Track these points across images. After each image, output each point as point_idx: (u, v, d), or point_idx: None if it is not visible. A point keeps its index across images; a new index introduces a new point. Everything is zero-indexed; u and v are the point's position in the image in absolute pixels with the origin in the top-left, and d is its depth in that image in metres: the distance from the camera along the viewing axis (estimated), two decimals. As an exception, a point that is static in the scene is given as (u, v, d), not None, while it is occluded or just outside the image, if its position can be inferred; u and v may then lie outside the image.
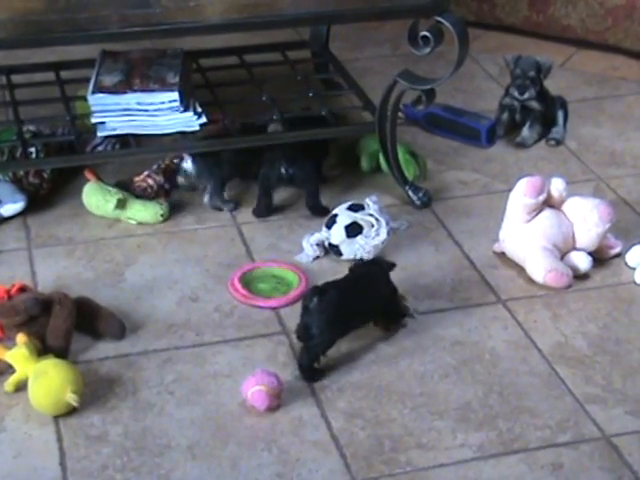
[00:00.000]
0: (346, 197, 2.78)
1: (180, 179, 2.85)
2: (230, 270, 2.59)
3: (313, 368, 2.26)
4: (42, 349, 2.26)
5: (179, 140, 2.83)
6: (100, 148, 2.92)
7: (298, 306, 2.31)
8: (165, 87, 2.77)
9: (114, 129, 2.76)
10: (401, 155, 2.92)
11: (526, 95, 3.16)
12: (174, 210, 2.83)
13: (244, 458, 2.06)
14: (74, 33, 2.51)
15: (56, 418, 2.15)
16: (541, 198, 2.58)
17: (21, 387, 2.19)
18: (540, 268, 2.54)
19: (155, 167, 2.90)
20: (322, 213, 2.76)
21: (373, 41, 3.84)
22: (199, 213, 2.84)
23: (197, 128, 2.78)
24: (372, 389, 2.24)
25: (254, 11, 2.60)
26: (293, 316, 2.33)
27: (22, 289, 2.38)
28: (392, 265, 2.40)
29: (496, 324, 2.45)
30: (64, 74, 3.11)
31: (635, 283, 2.59)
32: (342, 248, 2.62)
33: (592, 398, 2.23)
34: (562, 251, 2.60)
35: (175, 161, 2.94)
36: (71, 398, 2.12)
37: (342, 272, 2.55)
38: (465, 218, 2.84)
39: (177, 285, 2.55)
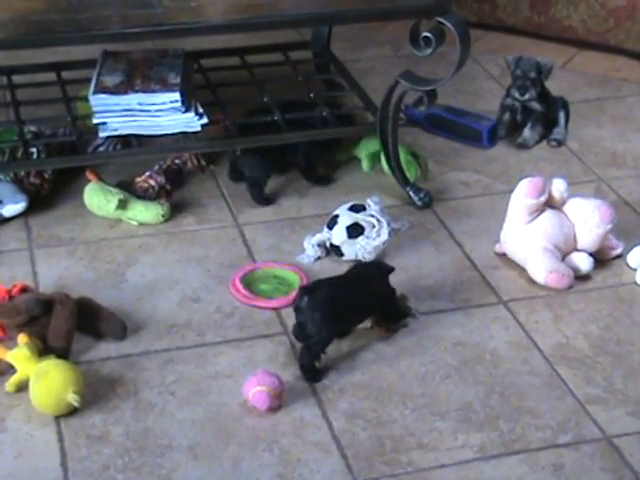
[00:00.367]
0: (347, 198, 2.78)
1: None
2: (231, 271, 2.59)
3: (315, 368, 2.26)
4: (43, 349, 2.26)
5: (180, 141, 2.84)
6: (101, 148, 2.92)
7: (299, 307, 2.31)
8: (166, 88, 2.77)
9: (115, 129, 2.76)
10: (403, 156, 2.92)
11: (527, 96, 3.16)
12: (175, 211, 2.83)
13: (245, 458, 2.06)
14: (75, 33, 2.51)
15: (57, 418, 2.15)
16: (542, 199, 2.58)
17: (22, 387, 2.19)
18: (541, 269, 2.54)
19: (156, 168, 2.90)
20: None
21: (375, 42, 3.84)
22: (200, 214, 2.84)
23: (198, 129, 2.78)
24: (373, 390, 2.25)
25: (255, 12, 2.60)
26: (294, 317, 2.33)
27: (23, 289, 2.38)
28: (391, 268, 2.40)
29: (497, 325, 2.45)
30: (65, 74, 3.11)
31: (636, 284, 2.59)
32: (343, 249, 2.62)
33: (593, 399, 2.23)
34: (563, 252, 2.60)
35: (176, 161, 2.95)
36: (72, 398, 2.13)
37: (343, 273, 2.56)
38: (466, 219, 2.84)
39: (178, 286, 2.56)
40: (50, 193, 2.87)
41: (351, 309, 2.31)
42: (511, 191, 2.63)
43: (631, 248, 2.66)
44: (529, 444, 2.11)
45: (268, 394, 2.15)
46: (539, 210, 2.60)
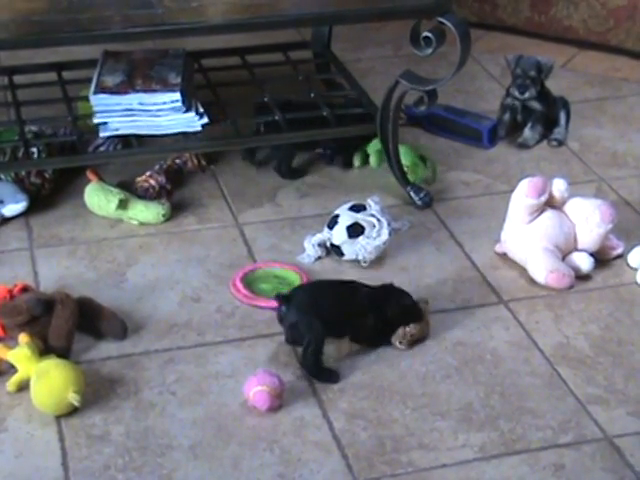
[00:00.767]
0: (348, 198, 2.78)
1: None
2: (232, 270, 2.59)
3: (321, 367, 2.26)
4: (44, 349, 2.26)
5: (181, 140, 2.84)
6: (102, 148, 2.92)
7: (300, 306, 2.31)
8: (167, 87, 2.77)
9: (116, 129, 2.76)
10: (410, 158, 2.93)
11: (526, 95, 3.16)
12: (176, 210, 2.83)
13: (246, 458, 2.06)
14: (76, 33, 2.51)
15: (58, 418, 2.15)
16: (543, 199, 2.58)
17: (23, 387, 2.19)
18: (542, 269, 2.54)
19: (157, 167, 2.90)
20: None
21: (375, 42, 3.84)
22: (201, 214, 2.84)
23: (199, 129, 2.78)
24: (374, 389, 2.25)
25: (256, 12, 2.60)
26: (282, 326, 2.34)
27: (24, 289, 2.39)
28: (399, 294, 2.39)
29: (498, 325, 2.45)
30: (66, 74, 3.11)
31: (637, 284, 2.59)
32: (344, 248, 2.62)
33: (594, 399, 2.23)
34: (564, 252, 2.60)
35: (177, 161, 2.95)
36: (73, 398, 2.13)
37: (343, 272, 2.57)
38: (467, 219, 2.84)
39: (179, 285, 2.56)
40: (51, 193, 2.87)
41: (334, 306, 2.30)
42: (511, 191, 2.63)
43: (632, 248, 2.66)
44: (530, 444, 2.11)
45: (269, 394, 2.15)
46: (540, 210, 2.60)
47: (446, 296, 2.54)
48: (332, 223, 2.64)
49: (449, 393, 2.24)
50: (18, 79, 3.10)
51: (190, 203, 2.89)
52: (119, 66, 2.88)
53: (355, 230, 2.60)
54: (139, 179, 2.86)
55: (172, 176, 2.91)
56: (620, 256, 2.67)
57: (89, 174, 2.82)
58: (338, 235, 2.62)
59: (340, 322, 2.31)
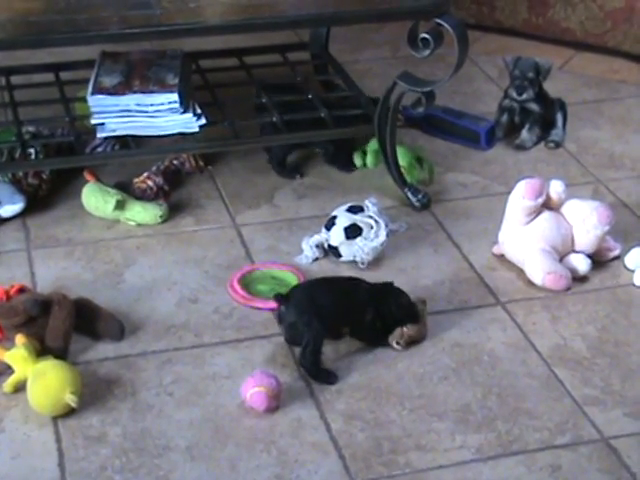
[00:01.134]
0: (345, 199, 2.78)
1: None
2: (229, 271, 2.59)
3: (320, 367, 2.26)
4: (41, 350, 2.26)
5: (179, 141, 2.84)
6: (99, 149, 2.92)
7: (297, 307, 2.31)
8: (165, 88, 2.77)
9: (113, 130, 2.76)
10: (408, 159, 2.93)
11: (524, 96, 3.16)
12: (173, 211, 2.83)
13: (243, 459, 2.06)
14: (74, 34, 2.50)
15: (55, 419, 2.15)
16: (540, 200, 2.58)
17: (20, 388, 2.19)
18: (539, 270, 2.54)
19: (154, 168, 2.90)
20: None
21: (373, 43, 3.84)
22: (198, 215, 2.84)
23: (197, 129, 2.78)
24: (371, 391, 2.25)
25: (254, 13, 2.60)
26: (281, 326, 2.34)
27: (21, 290, 2.38)
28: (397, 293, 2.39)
29: (495, 326, 2.45)
30: (63, 75, 3.11)
31: (634, 285, 2.60)
32: (341, 250, 2.62)
33: (591, 400, 2.23)
34: (561, 253, 2.61)
35: (175, 162, 2.95)
36: (70, 399, 2.12)
37: (341, 273, 2.56)
38: (464, 220, 2.84)
39: (176, 286, 2.56)
40: (48, 194, 2.87)
41: (332, 305, 2.30)
42: (509, 192, 2.63)
43: (629, 249, 2.67)
44: (527, 445, 2.11)
45: (266, 395, 2.15)
46: (537, 211, 2.60)
47: (443, 297, 2.54)
48: (330, 224, 2.64)
49: (446, 394, 2.24)
50: (15, 80, 3.10)
51: (188, 204, 2.88)
52: (117, 67, 2.88)
53: (353, 231, 2.60)
54: (137, 180, 2.86)
55: (170, 177, 2.91)
56: (617, 258, 2.68)
57: (86, 175, 2.82)
58: (336, 236, 2.62)
59: (340, 316, 2.32)
